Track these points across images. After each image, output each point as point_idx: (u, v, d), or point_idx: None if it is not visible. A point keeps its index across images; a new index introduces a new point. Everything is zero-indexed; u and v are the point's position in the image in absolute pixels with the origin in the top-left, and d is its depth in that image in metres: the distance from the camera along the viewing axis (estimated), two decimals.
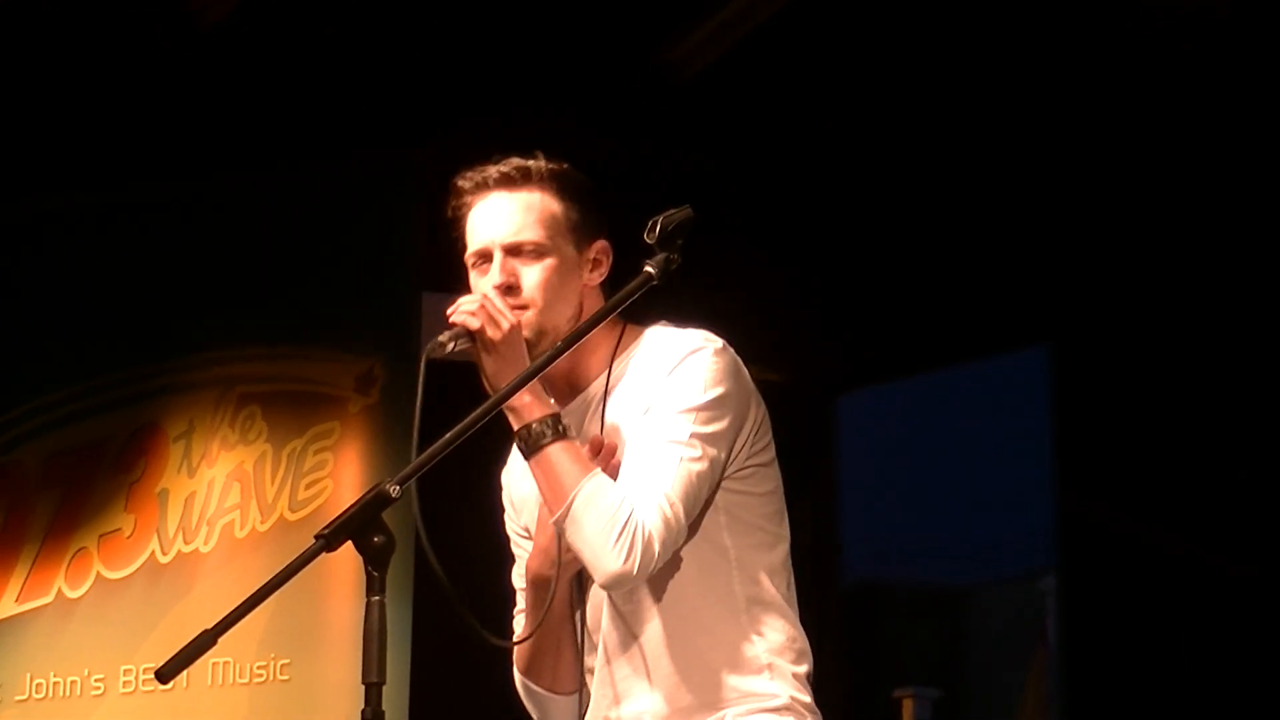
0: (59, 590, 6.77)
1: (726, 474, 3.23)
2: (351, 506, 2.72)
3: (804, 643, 3.29)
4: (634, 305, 3.18)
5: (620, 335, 3.32)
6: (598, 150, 6.42)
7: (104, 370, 6.89)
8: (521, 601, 3.46)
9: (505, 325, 3.18)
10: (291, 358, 6.83)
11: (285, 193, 6.86)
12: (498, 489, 3.52)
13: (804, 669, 3.27)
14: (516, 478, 3.46)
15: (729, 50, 5.99)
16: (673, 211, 3.11)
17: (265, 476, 6.72)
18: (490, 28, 6.38)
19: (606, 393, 3.29)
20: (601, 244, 3.35)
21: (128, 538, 6.78)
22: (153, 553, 6.74)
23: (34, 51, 6.47)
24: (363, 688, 2.68)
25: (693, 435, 3.16)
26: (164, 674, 2.70)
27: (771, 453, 3.32)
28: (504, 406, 3.14)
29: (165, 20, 6.31)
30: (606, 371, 3.30)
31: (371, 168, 6.80)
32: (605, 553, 3.08)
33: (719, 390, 3.20)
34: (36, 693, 6.70)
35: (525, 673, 3.44)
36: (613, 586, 3.16)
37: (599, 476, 3.13)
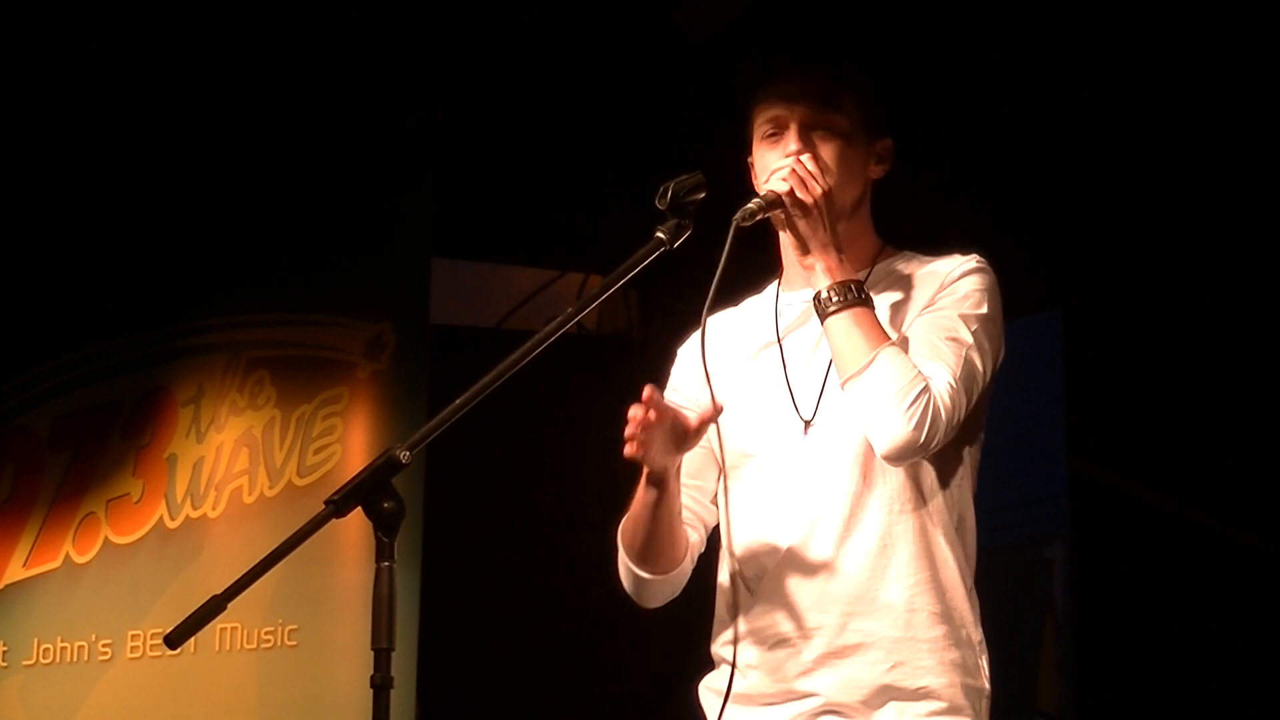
0: (67, 555, 6.78)
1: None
2: (362, 472, 2.70)
3: None
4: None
5: (882, 247, 3.39)
6: (610, 112, 6.43)
7: (113, 335, 6.88)
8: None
9: (818, 188, 3.18)
10: (301, 323, 6.82)
11: (297, 157, 6.84)
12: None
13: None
14: (695, 351, 3.32)
15: (737, 14, 5.96)
16: (684, 178, 3.11)
17: (274, 442, 6.72)
18: None
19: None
20: (888, 142, 3.39)
21: (136, 503, 6.77)
22: (161, 518, 6.74)
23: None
24: (371, 653, 2.67)
25: (975, 339, 3.22)
26: (173, 639, 2.69)
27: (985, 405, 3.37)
28: (809, 261, 3.19)
29: None
30: (868, 270, 3.33)
31: (383, 132, 6.78)
32: (898, 416, 3.09)
33: (994, 311, 3.29)
34: (44, 657, 6.70)
35: (639, 560, 3.34)
36: (897, 455, 3.14)
37: (894, 346, 3.15)
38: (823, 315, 3.17)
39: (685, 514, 3.36)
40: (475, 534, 7.19)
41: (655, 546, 3.29)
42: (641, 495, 3.24)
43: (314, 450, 6.66)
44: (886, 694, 3.18)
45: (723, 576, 3.36)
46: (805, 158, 3.22)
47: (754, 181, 3.36)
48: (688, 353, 3.46)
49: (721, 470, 3.36)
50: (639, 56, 6.27)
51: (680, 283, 3.42)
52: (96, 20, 6.44)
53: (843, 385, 3.16)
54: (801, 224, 3.19)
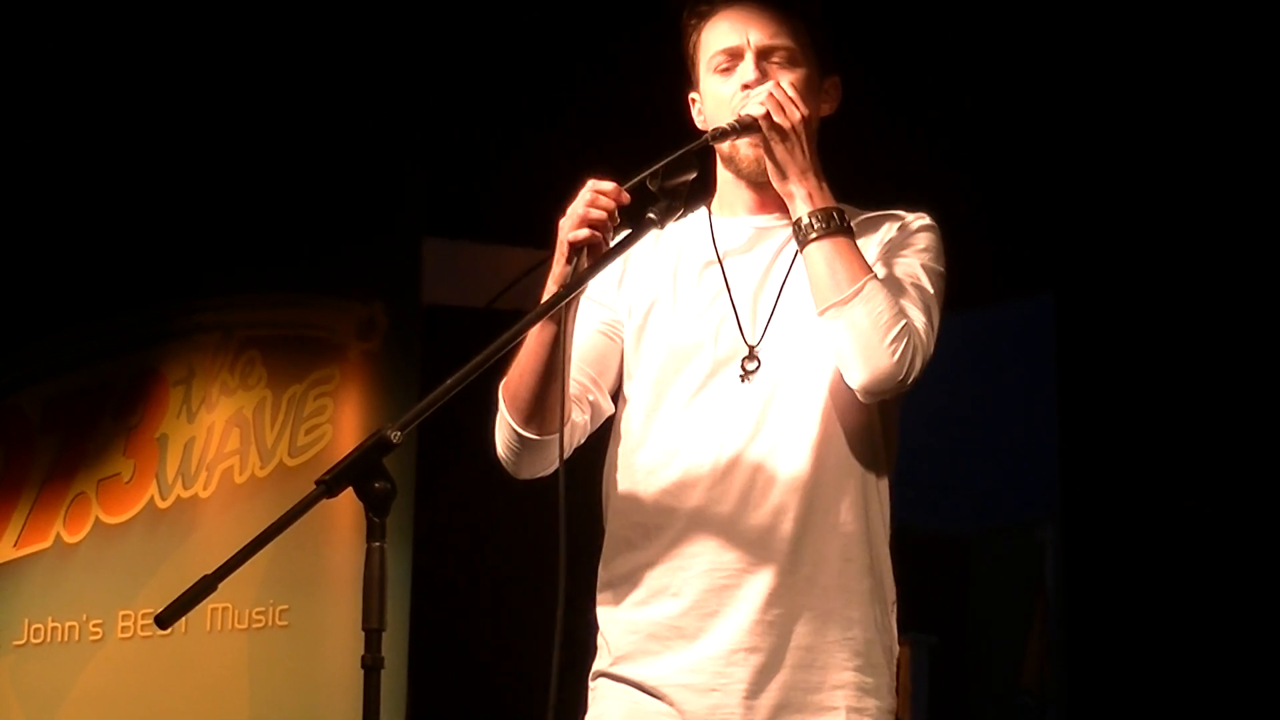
0: (58, 535, 6.77)
1: None
2: (352, 452, 2.69)
3: None
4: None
5: None
6: (603, 92, 6.42)
7: (104, 315, 6.87)
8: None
9: (795, 113, 3.13)
10: (292, 303, 6.82)
11: (289, 137, 6.83)
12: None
13: None
14: (641, 252, 3.31)
15: None
16: (674, 164, 3.06)
17: (265, 422, 6.71)
18: None
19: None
20: (835, 79, 3.34)
21: (127, 483, 6.77)
22: (152, 498, 6.73)
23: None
24: (362, 634, 2.66)
25: (934, 291, 3.19)
26: (163, 619, 2.68)
27: None
28: (788, 188, 3.13)
29: None
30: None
31: (375, 112, 6.77)
32: (879, 348, 3.04)
33: (944, 269, 3.24)
34: (35, 638, 6.70)
35: (523, 418, 3.23)
36: (875, 388, 3.08)
37: (877, 278, 3.09)
38: (803, 242, 3.10)
39: (574, 388, 3.27)
40: (467, 514, 7.18)
41: (546, 399, 3.18)
42: (539, 332, 3.13)
43: (305, 430, 6.66)
44: (814, 641, 3.12)
45: (621, 497, 3.26)
46: (785, 82, 3.17)
47: (694, 120, 3.33)
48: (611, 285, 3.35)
49: (622, 379, 3.30)
50: (632, 36, 6.26)
51: None
52: (88, 1, 6.43)
53: (821, 313, 3.08)
54: (779, 149, 3.12)
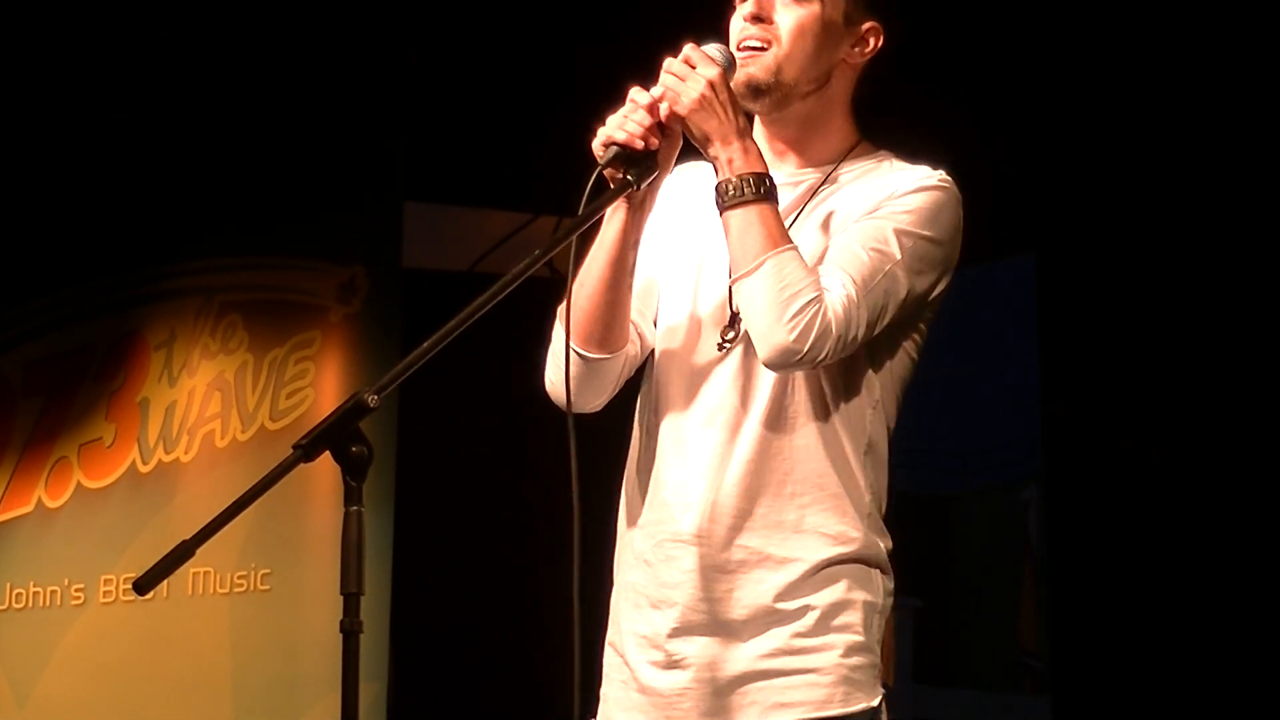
0: (39, 500, 6.76)
1: (905, 320, 3.08)
2: (329, 416, 2.68)
3: (885, 505, 3.14)
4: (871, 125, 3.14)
5: (857, 143, 3.17)
6: (582, 54, 6.40)
7: (85, 279, 6.86)
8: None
9: (694, 87, 2.95)
10: (273, 266, 6.81)
11: (269, 101, 6.81)
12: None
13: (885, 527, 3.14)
14: (680, 186, 3.21)
15: None
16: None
17: (246, 386, 6.70)
18: None
19: (824, 182, 3.13)
20: (874, 24, 3.14)
21: (108, 447, 6.76)
22: (133, 462, 6.73)
23: None
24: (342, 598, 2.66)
25: (903, 258, 3.00)
26: (142, 584, 2.67)
27: (926, 334, 3.18)
28: (712, 154, 2.97)
29: None
30: (834, 165, 3.14)
31: (356, 76, 6.75)
32: (777, 324, 2.89)
33: (939, 234, 3.07)
34: (16, 603, 6.69)
35: (585, 338, 3.11)
36: (777, 363, 2.95)
37: (790, 249, 2.94)
38: (721, 208, 2.97)
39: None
40: (448, 478, 7.19)
41: (606, 314, 3.10)
42: (605, 242, 3.06)
43: (286, 394, 6.65)
44: (769, 615, 3.03)
45: (632, 464, 3.20)
46: (681, 55, 2.99)
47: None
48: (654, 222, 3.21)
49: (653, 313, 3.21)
50: (612, 1, 6.25)
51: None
52: None
53: (731, 284, 3.00)
54: (695, 127, 2.97)
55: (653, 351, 3.21)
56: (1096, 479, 6.90)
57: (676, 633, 3.06)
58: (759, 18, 3.08)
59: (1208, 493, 6.70)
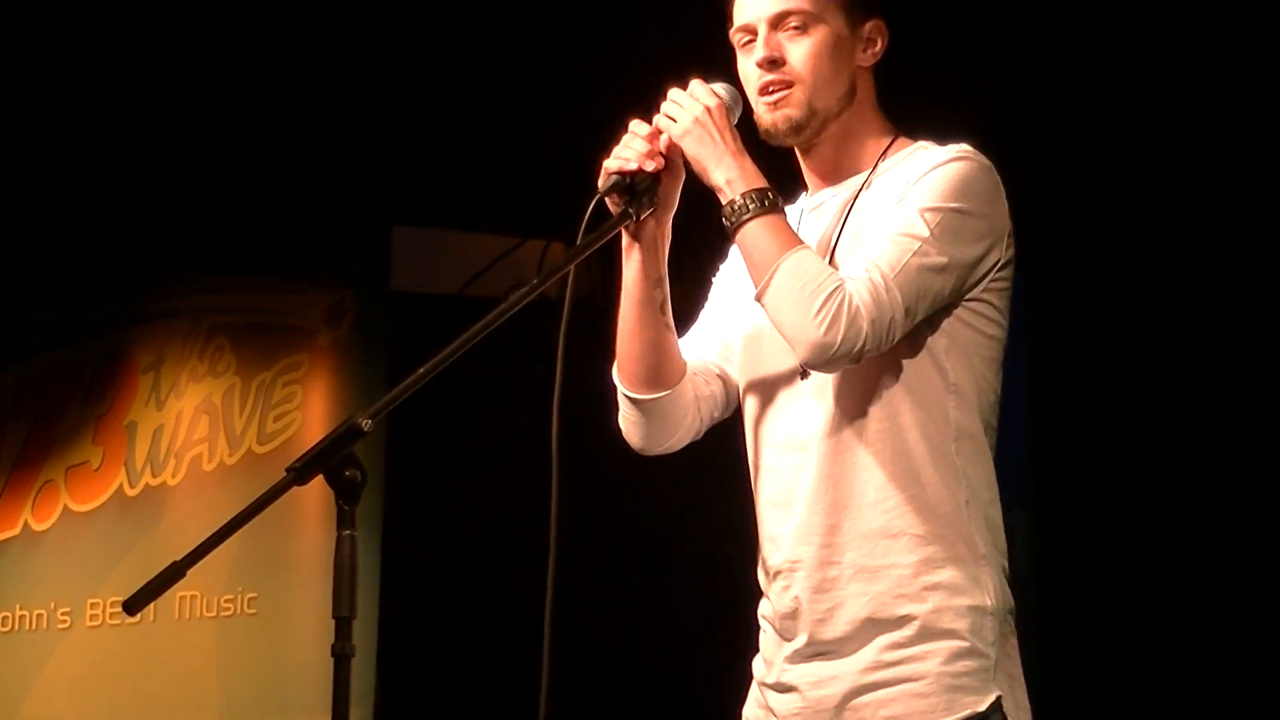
0: (26, 523, 6.75)
1: (959, 295, 3.07)
2: (323, 440, 2.68)
3: (996, 491, 3.13)
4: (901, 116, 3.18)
5: (892, 140, 3.21)
6: (572, 78, 6.40)
7: (74, 300, 6.85)
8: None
9: (686, 117, 3.03)
10: (262, 289, 6.81)
11: (259, 124, 6.81)
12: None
13: (998, 514, 3.12)
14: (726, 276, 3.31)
15: None
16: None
17: (234, 409, 6.70)
18: None
19: (862, 188, 3.15)
20: (876, 22, 3.21)
21: (95, 470, 6.75)
22: (120, 485, 6.72)
23: None
24: (332, 621, 2.65)
25: (932, 234, 2.99)
26: (131, 606, 2.67)
27: (1007, 300, 3.17)
28: (710, 181, 3.02)
29: None
30: (870, 169, 3.17)
31: (344, 99, 6.75)
32: (806, 321, 2.90)
33: (970, 204, 3.06)
34: (2, 625, 6.68)
35: (631, 380, 3.22)
36: (815, 361, 2.94)
37: (804, 250, 2.97)
38: (730, 233, 3.01)
39: (701, 363, 3.26)
40: (437, 502, 7.17)
41: (646, 355, 3.19)
42: (635, 279, 3.15)
43: (274, 417, 6.65)
44: (870, 628, 3.03)
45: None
46: (699, 86, 3.07)
47: (747, 93, 3.22)
48: (721, 277, 3.35)
49: (731, 355, 3.27)
50: (600, 20, 6.24)
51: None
52: None
53: (756, 301, 3.01)
54: (691, 154, 3.04)
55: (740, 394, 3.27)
56: (1086, 502, 6.89)
57: (790, 658, 3.12)
58: (773, 61, 3.12)
59: (1201, 514, 6.69)
